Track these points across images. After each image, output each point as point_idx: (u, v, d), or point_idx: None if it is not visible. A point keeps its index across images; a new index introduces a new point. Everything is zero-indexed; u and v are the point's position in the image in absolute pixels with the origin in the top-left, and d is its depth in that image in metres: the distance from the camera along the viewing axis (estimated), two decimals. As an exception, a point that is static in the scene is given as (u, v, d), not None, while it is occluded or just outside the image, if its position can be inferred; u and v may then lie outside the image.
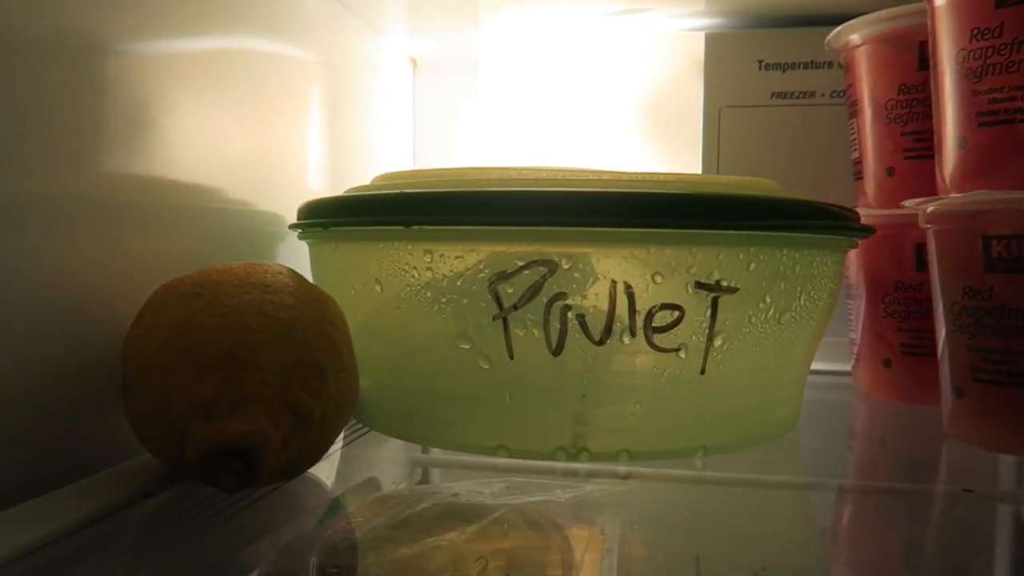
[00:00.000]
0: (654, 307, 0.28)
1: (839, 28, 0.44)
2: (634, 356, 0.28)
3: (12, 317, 0.25)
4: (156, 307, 0.26)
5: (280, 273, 0.28)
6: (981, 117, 0.32)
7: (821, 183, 0.51)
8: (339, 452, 0.33)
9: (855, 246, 0.34)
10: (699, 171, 0.56)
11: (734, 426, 0.31)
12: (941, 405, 0.36)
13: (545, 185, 0.30)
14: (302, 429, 0.24)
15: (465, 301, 0.28)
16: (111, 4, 0.29)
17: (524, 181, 0.31)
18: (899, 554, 0.26)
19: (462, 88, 0.62)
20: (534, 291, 0.28)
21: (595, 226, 0.27)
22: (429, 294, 0.29)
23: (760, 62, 0.55)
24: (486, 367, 0.29)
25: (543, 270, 0.27)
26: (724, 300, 0.28)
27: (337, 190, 0.34)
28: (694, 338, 0.28)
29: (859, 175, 0.45)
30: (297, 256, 0.37)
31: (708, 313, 0.28)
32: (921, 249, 0.40)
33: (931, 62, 0.35)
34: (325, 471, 0.31)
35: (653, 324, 0.28)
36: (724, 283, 0.28)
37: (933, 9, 0.34)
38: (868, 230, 0.33)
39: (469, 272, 0.28)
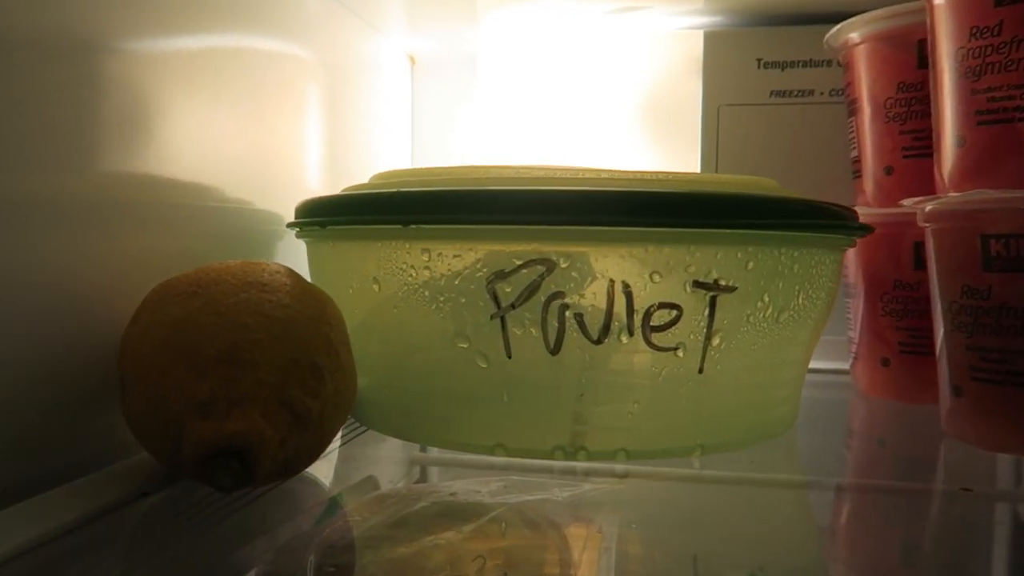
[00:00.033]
0: (652, 306, 0.28)
1: (838, 26, 0.44)
2: (632, 355, 0.28)
3: (8, 316, 0.25)
4: (153, 306, 0.26)
5: (277, 272, 0.28)
6: (980, 116, 0.32)
7: (820, 181, 0.51)
8: (337, 451, 0.33)
9: (853, 245, 0.34)
10: (698, 169, 0.56)
11: (732, 425, 0.31)
12: (939, 404, 0.36)
13: (543, 184, 0.30)
14: (299, 428, 0.24)
15: (463, 300, 0.28)
16: (108, 2, 0.29)
17: (522, 180, 0.31)
18: (897, 553, 0.26)
19: (460, 86, 0.62)
20: (532, 290, 0.27)
21: (593, 225, 0.27)
22: (427, 293, 0.29)
23: (759, 60, 0.55)
24: (484, 366, 0.29)
25: (541, 269, 0.27)
26: (722, 299, 0.28)
27: (335, 189, 0.34)
28: (692, 337, 0.28)
29: (858, 173, 0.45)
30: (295, 255, 0.37)
31: (706, 312, 0.28)
32: (920, 248, 0.40)
33: (930, 61, 0.35)
34: (323, 470, 0.31)
35: (651, 323, 0.28)
36: (722, 282, 0.28)
37: (932, 7, 0.34)
38: (866, 229, 0.33)
39: (467, 271, 0.28)
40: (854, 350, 0.45)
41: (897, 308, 0.42)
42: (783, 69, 0.55)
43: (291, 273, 0.28)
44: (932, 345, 0.37)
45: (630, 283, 0.27)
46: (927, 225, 0.35)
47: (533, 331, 0.28)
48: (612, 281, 0.27)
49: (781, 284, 0.29)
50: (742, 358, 0.29)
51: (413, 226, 0.28)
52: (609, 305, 0.27)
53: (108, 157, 0.29)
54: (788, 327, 0.30)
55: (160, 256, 0.31)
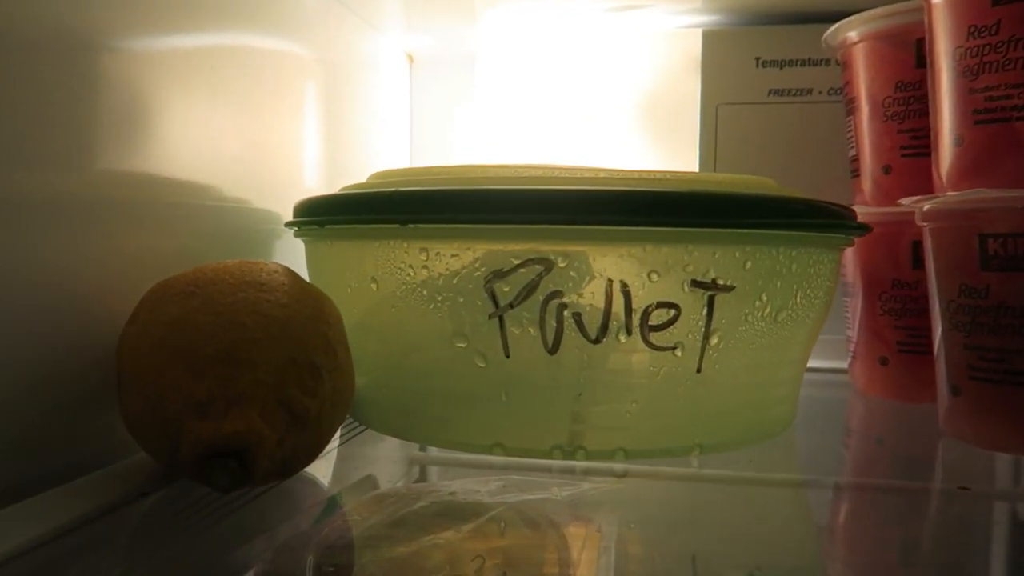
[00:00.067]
0: (650, 305, 0.28)
1: (836, 25, 0.44)
2: (630, 354, 0.28)
3: (6, 316, 0.25)
4: (151, 305, 0.26)
5: (275, 271, 0.28)
6: (978, 115, 0.32)
7: (818, 180, 0.51)
8: (336, 450, 0.33)
9: (852, 244, 0.34)
10: (696, 168, 0.56)
11: (730, 424, 0.31)
12: (937, 403, 0.36)
13: (541, 183, 0.30)
14: (297, 428, 0.24)
15: (461, 299, 0.28)
16: (106, 1, 0.29)
17: (520, 179, 0.31)
18: (895, 552, 0.26)
19: (459, 85, 0.62)
20: (530, 289, 0.27)
21: (591, 224, 0.27)
22: (425, 292, 0.29)
23: (757, 59, 0.55)
24: (482, 365, 0.29)
25: (539, 268, 0.27)
26: (720, 298, 0.28)
27: (333, 188, 0.34)
28: (690, 336, 0.28)
29: (856, 172, 0.45)
30: (293, 254, 0.37)
31: (704, 311, 0.28)
32: (918, 247, 0.40)
33: (928, 60, 0.35)
34: (321, 470, 0.31)
35: (649, 322, 0.28)
36: (720, 281, 0.28)
37: (930, 7, 0.34)
38: (864, 228, 0.33)
39: (465, 270, 0.28)
40: (852, 349, 0.46)
41: (895, 307, 0.42)
42: (781, 68, 0.55)
43: (289, 272, 0.28)
44: (930, 344, 0.37)
45: (628, 282, 0.27)
46: (925, 224, 0.35)
47: (531, 330, 0.28)
48: (610, 280, 0.27)
49: (779, 283, 0.29)
50: (740, 357, 0.29)
51: (411, 225, 0.28)
52: (607, 304, 0.27)
53: (105, 156, 0.29)
54: (786, 326, 0.30)
55: (158, 255, 0.31)
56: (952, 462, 0.35)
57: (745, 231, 0.28)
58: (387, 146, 0.58)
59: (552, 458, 0.29)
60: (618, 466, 0.30)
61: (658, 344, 0.28)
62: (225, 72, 0.36)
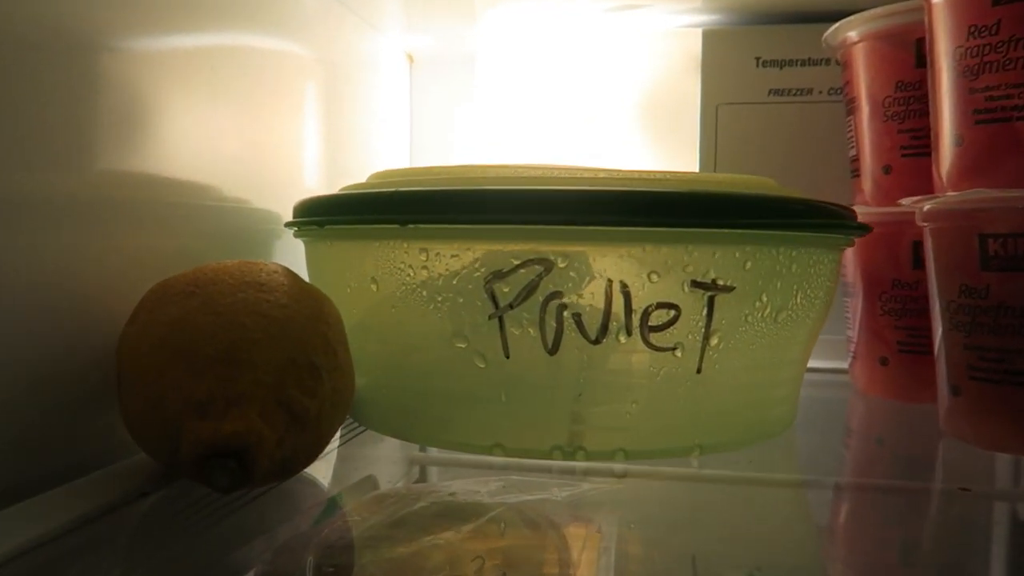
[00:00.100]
0: (650, 306, 0.28)
1: (836, 25, 0.44)
2: (630, 355, 0.28)
3: (6, 317, 0.25)
4: (151, 305, 0.26)
5: (275, 272, 0.28)
6: (978, 115, 0.32)
7: (818, 180, 0.51)
8: (336, 451, 0.33)
9: (852, 244, 0.34)
10: (696, 168, 0.56)
11: (730, 425, 0.31)
12: (938, 403, 0.36)
13: (541, 183, 0.30)
14: (297, 428, 0.24)
15: (461, 300, 0.28)
16: (105, 1, 0.29)
17: (520, 179, 0.31)
18: (896, 552, 0.26)
19: (459, 85, 0.62)
20: (530, 290, 0.27)
21: (591, 225, 0.27)
22: (425, 293, 0.29)
23: (757, 59, 0.55)
24: (482, 366, 0.29)
25: (539, 269, 0.27)
26: (720, 299, 0.28)
27: (333, 188, 0.34)
28: (690, 337, 0.28)
29: (856, 172, 0.45)
30: (293, 254, 0.37)
31: (704, 312, 0.28)
32: (918, 247, 0.40)
33: (928, 59, 0.35)
34: (322, 470, 0.31)
35: (649, 323, 0.28)
36: (720, 282, 0.28)
37: (930, 6, 0.34)
38: (865, 228, 0.33)
39: (465, 271, 0.28)
40: (853, 349, 0.46)
41: (895, 307, 0.42)
42: (781, 68, 0.55)
43: (289, 273, 0.28)
44: (930, 344, 0.37)
45: (628, 283, 0.27)
46: (925, 224, 0.35)
47: (531, 331, 0.28)
48: (610, 281, 0.27)
49: (779, 284, 0.29)
50: (740, 358, 0.29)
51: (411, 226, 0.28)
52: (607, 305, 0.27)
53: (105, 156, 0.29)
54: (786, 327, 0.30)
55: (158, 255, 0.31)
56: (952, 462, 0.35)
57: (745, 231, 0.28)
58: (387, 146, 0.58)
59: (552, 459, 0.29)
60: (618, 466, 0.30)
61: (658, 345, 0.28)
62: (225, 72, 0.36)
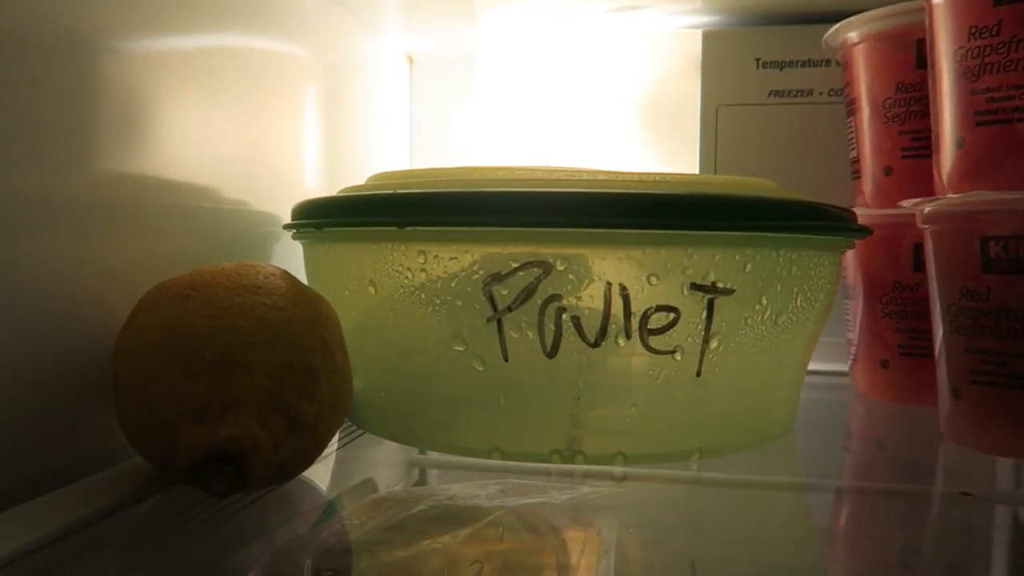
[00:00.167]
0: (649, 309, 0.28)
1: (837, 26, 0.44)
2: (629, 358, 0.28)
3: (2, 318, 0.25)
4: (147, 308, 0.26)
5: (272, 274, 0.27)
6: (979, 116, 0.32)
7: (819, 182, 0.51)
8: (334, 454, 0.33)
9: (852, 246, 0.34)
10: (696, 170, 0.56)
11: (730, 428, 0.31)
12: (938, 406, 0.35)
13: (540, 186, 0.30)
14: (294, 432, 0.24)
15: (459, 303, 0.28)
16: (104, 1, 0.29)
17: (518, 181, 0.31)
18: (896, 556, 0.25)
19: (459, 86, 0.62)
20: (528, 293, 0.27)
21: (590, 227, 0.27)
22: (423, 295, 0.29)
23: (757, 60, 0.55)
24: (480, 369, 0.29)
25: (538, 271, 0.27)
26: (720, 302, 0.28)
27: (332, 189, 0.34)
28: (690, 340, 0.28)
29: (857, 174, 0.45)
30: (291, 256, 0.37)
31: (704, 315, 0.28)
32: (919, 249, 0.40)
33: (929, 60, 0.35)
34: (320, 473, 0.31)
35: (648, 326, 0.28)
36: (720, 284, 0.28)
37: (931, 7, 0.34)
38: (865, 230, 0.32)
39: (463, 273, 0.28)
40: (853, 352, 0.45)
41: (896, 310, 0.42)
42: (782, 69, 0.55)
43: (286, 275, 0.28)
44: (931, 347, 0.36)
45: (627, 285, 0.27)
46: (926, 227, 0.35)
47: (530, 334, 0.28)
48: (609, 283, 0.27)
49: (779, 286, 0.29)
50: (740, 361, 0.29)
51: (409, 228, 0.28)
52: (606, 308, 0.27)
53: (103, 157, 0.29)
54: (786, 329, 0.30)
55: (155, 258, 0.31)
56: (953, 466, 0.35)
57: (745, 234, 0.28)
58: (387, 147, 0.58)
59: (551, 462, 0.29)
60: (617, 470, 0.30)
61: (657, 348, 0.28)
62: (224, 73, 0.36)
